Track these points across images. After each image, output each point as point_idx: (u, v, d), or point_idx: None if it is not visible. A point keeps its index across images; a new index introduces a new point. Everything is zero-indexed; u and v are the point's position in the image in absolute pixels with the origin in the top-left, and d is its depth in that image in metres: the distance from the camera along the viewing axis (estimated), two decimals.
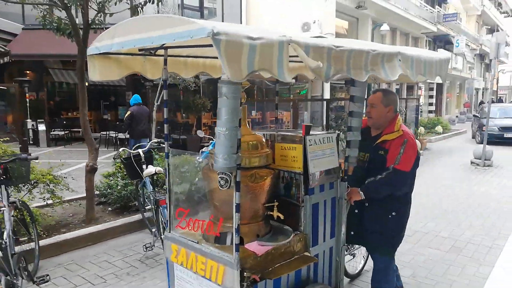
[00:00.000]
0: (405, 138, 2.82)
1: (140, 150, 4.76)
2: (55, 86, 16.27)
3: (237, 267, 2.14)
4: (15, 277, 3.12)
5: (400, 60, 2.51)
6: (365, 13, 17.03)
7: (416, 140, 3.24)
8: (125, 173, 5.44)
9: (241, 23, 16.39)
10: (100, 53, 2.42)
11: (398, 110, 3.02)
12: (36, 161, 3.99)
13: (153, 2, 5.47)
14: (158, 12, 6.47)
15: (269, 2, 15.44)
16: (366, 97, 3.02)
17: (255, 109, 15.79)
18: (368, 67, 2.31)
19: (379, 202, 2.91)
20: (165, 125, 2.58)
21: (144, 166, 4.72)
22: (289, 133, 2.72)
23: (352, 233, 3.07)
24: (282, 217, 2.50)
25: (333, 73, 2.08)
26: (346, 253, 3.54)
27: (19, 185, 4.53)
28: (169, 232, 2.64)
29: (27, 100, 12.96)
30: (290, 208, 2.65)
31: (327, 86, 15.40)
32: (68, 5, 4.84)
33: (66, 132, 14.42)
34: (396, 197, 2.90)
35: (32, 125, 13.11)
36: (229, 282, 2.18)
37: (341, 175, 2.86)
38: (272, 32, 1.79)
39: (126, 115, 9.00)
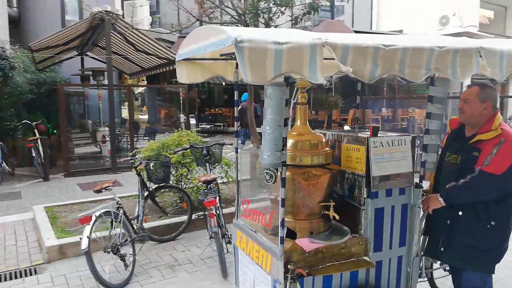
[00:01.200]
0: (503, 138, 2.43)
1: None
2: (198, 86, 18.37)
3: (281, 258, 2.26)
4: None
5: (481, 56, 2.23)
6: None
7: None
8: None
9: (371, 23, 15.95)
10: (186, 59, 2.81)
11: (497, 107, 2.61)
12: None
13: (310, 13, 6.19)
14: (314, 21, 6.98)
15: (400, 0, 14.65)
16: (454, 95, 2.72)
17: (385, 106, 15.10)
18: (431, 66, 2.14)
19: (475, 211, 2.54)
20: (235, 123, 2.84)
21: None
22: (355, 134, 2.67)
23: (442, 249, 2.68)
24: (337, 217, 2.50)
25: (380, 73, 2.02)
26: (437, 266, 3.27)
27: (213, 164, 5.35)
28: (236, 219, 2.90)
29: (180, 98, 14.93)
30: (352, 210, 2.62)
31: (467, 83, 13.75)
32: (248, 22, 5.81)
33: (211, 125, 16.23)
34: (497, 203, 2.50)
35: (184, 119, 15.03)
36: (274, 272, 2.32)
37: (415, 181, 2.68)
38: (305, 36, 1.86)
39: (238, 109, 10.03)
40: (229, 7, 6.17)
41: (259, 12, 5.93)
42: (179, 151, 5.11)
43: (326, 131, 2.90)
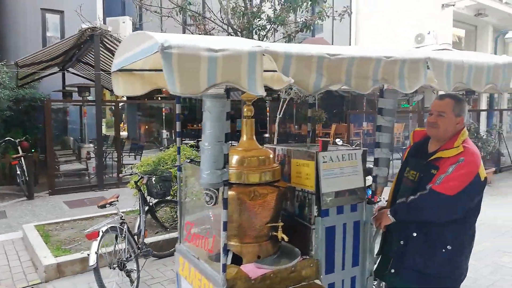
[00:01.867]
0: (462, 157, 2.26)
1: None
2: (181, 102, 17.76)
3: (223, 287, 2.04)
4: None
5: (428, 67, 2.16)
6: (485, 20, 15.54)
7: None
8: None
9: (349, 40, 16.49)
10: (123, 70, 2.55)
11: (465, 122, 2.48)
12: None
13: (303, 31, 6.59)
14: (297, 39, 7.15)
15: (378, 18, 15.26)
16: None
17: (365, 120, 15.53)
18: (378, 76, 2.03)
19: (429, 233, 2.35)
20: (178, 139, 2.61)
21: None
22: (305, 149, 2.53)
23: (393, 271, 2.51)
24: (286, 239, 2.33)
25: (325, 84, 1.88)
26: None
27: None
28: (179, 244, 2.65)
29: (163, 113, 14.41)
30: (302, 230, 2.46)
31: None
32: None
33: (194, 141, 15.81)
34: (451, 226, 2.32)
35: (167, 135, 14.49)
36: None
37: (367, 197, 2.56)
38: (243, 43, 1.69)
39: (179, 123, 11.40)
40: (225, 24, 6.35)
41: (254, 29, 6.18)
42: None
43: (276, 145, 2.74)
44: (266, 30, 6.31)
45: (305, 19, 6.47)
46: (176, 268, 2.63)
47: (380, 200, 2.78)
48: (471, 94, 8.12)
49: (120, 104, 13.14)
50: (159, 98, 14.24)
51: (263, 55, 1.69)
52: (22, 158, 8.49)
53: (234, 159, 2.32)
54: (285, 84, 1.71)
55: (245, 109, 2.39)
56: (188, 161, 2.74)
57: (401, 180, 2.62)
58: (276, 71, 1.81)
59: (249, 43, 1.69)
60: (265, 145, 2.82)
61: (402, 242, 2.47)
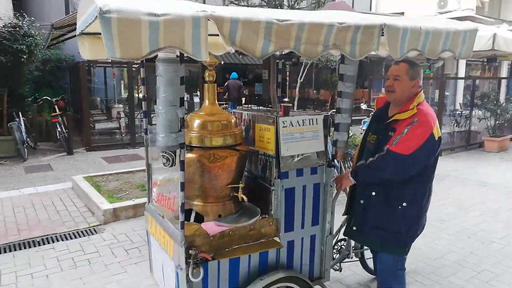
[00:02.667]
0: (417, 118, 2.39)
1: None
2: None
3: (181, 243, 2.18)
4: None
5: (383, 34, 2.20)
6: None
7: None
8: None
9: (370, 5, 16.16)
10: (87, 33, 2.58)
11: (421, 85, 2.58)
12: None
13: None
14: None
15: None
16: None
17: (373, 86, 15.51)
18: (329, 42, 2.07)
19: (386, 191, 2.54)
20: (143, 102, 2.68)
21: None
22: (267, 114, 2.60)
23: (354, 228, 2.71)
24: (245, 199, 2.45)
25: (273, 49, 1.92)
26: (355, 249, 3.32)
27: None
28: (148, 204, 2.78)
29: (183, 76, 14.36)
30: (264, 191, 2.57)
31: (462, 64, 14.38)
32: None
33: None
34: (409, 185, 2.48)
35: (187, 97, 14.34)
36: (176, 258, 2.24)
37: (328, 160, 2.66)
38: (188, 7, 1.72)
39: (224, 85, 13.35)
40: None
41: None
42: None
43: (243, 110, 2.81)
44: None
45: None
46: (146, 226, 2.77)
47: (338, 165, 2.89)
48: (492, 61, 7.97)
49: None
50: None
51: (208, 20, 1.73)
52: (61, 116, 9.18)
53: (195, 123, 2.40)
54: (225, 50, 1.75)
55: (207, 74, 2.44)
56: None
57: (364, 145, 2.74)
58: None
59: (194, 7, 1.73)
60: (233, 110, 2.89)
61: (362, 201, 2.64)
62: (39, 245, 4.27)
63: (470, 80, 13.61)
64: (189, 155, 2.32)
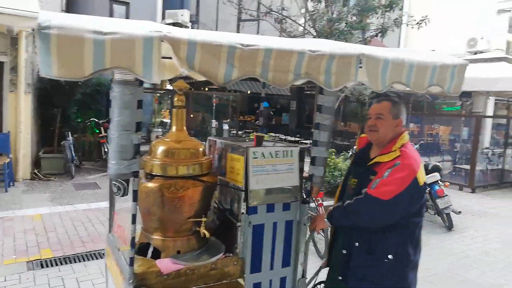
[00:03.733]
0: (398, 161, 2.16)
1: None
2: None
3: (128, 282, 1.97)
4: None
5: (361, 66, 2.05)
6: None
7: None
8: None
9: (398, 43, 16.43)
10: None
11: (405, 124, 2.37)
12: None
13: (377, 36, 7.37)
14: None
15: (433, 19, 15.45)
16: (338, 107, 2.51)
17: (413, 121, 15.50)
18: (301, 71, 1.92)
19: (370, 242, 2.25)
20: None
21: None
22: (239, 143, 2.44)
23: (340, 278, 2.40)
24: (207, 235, 2.25)
25: (237, 75, 1.77)
26: None
27: None
28: (109, 233, 2.59)
29: (213, 104, 14.66)
30: (232, 226, 2.38)
31: (491, 103, 14.41)
32: None
33: (242, 132, 15.90)
34: (391, 235, 2.22)
35: (216, 124, 14.53)
36: None
37: (303, 197, 2.47)
38: (140, 27, 1.59)
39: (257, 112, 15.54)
40: (310, 26, 7.19)
41: (335, 34, 6.79)
42: None
43: (217, 138, 2.65)
44: (344, 35, 6.85)
45: (382, 25, 7.07)
46: (105, 259, 2.57)
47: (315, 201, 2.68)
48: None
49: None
50: (206, 89, 15.15)
51: (162, 41, 1.60)
52: (106, 137, 9.45)
53: (159, 150, 2.24)
54: (177, 73, 1.61)
55: (176, 99, 2.30)
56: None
57: (344, 189, 2.52)
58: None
59: (147, 27, 1.60)
60: (209, 137, 2.74)
61: (344, 252, 2.36)
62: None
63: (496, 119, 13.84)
64: (149, 185, 2.15)
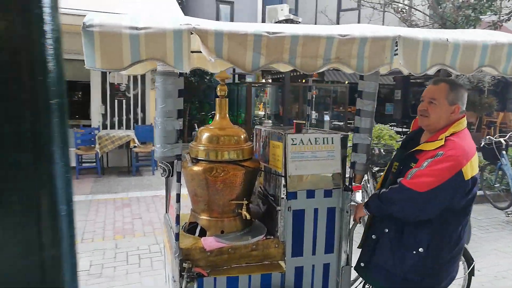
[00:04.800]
0: (442, 150, 2.01)
1: (501, 139, 6.30)
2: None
3: (175, 255, 2.18)
4: None
5: (397, 47, 2.00)
6: None
7: None
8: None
9: None
10: None
11: (464, 110, 2.22)
12: None
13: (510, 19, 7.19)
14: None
15: None
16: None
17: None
18: (331, 56, 1.94)
19: (401, 230, 2.16)
20: None
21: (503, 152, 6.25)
22: (280, 131, 2.51)
23: (362, 264, 2.40)
24: (248, 217, 2.37)
25: (264, 63, 1.86)
26: None
27: None
28: (165, 214, 2.85)
29: (313, 96, 15.01)
30: (272, 210, 2.47)
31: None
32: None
33: (343, 123, 15.82)
34: (426, 228, 2.09)
35: (316, 115, 15.00)
36: (171, 269, 2.24)
37: (345, 183, 2.46)
38: (171, 21, 1.76)
39: None
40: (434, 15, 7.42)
41: (461, 20, 6.86)
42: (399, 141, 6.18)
43: (261, 127, 2.76)
44: (472, 21, 6.86)
45: None
46: (163, 237, 2.84)
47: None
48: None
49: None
50: (303, 81, 15.34)
51: (191, 33, 1.75)
52: None
53: (203, 136, 2.42)
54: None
55: (218, 89, 2.45)
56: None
57: (388, 174, 2.46)
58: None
59: (177, 21, 1.77)
60: (256, 126, 2.86)
61: (374, 237, 2.33)
62: None
63: None
64: (194, 168, 2.34)
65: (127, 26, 1.68)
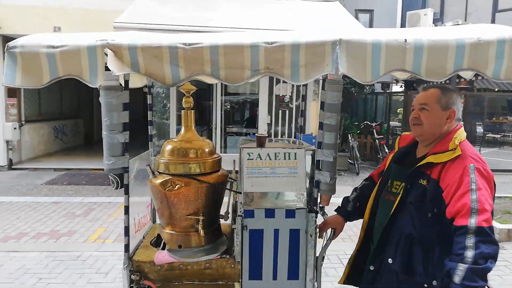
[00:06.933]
0: (471, 163, 1.75)
1: None
2: None
3: (124, 266, 2.21)
4: None
5: (338, 52, 1.74)
6: None
7: None
8: None
9: None
10: None
11: (460, 117, 1.96)
12: None
13: None
14: None
15: None
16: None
17: None
18: (259, 66, 1.77)
19: (410, 258, 1.86)
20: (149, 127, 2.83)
21: None
22: (245, 145, 2.37)
23: None
24: (201, 233, 2.28)
25: (185, 76, 1.78)
26: None
27: None
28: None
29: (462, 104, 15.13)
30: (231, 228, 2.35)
31: None
32: None
33: (499, 135, 15.16)
34: (444, 250, 1.76)
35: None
36: (123, 281, 2.27)
37: (311, 205, 2.22)
38: (88, 38, 1.79)
39: None
40: None
41: None
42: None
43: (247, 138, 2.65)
44: None
45: None
46: None
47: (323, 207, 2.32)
48: None
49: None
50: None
51: (105, 48, 1.76)
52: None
53: (166, 149, 2.40)
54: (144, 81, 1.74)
55: (184, 101, 2.42)
56: None
57: (379, 196, 2.14)
58: None
59: (94, 37, 1.79)
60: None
61: (372, 268, 2.05)
62: None
63: None
64: (152, 181, 2.34)
65: (44, 45, 1.76)
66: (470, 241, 1.62)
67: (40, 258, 4.52)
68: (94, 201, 6.87)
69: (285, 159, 2.21)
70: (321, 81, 2.14)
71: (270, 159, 2.21)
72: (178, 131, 10.28)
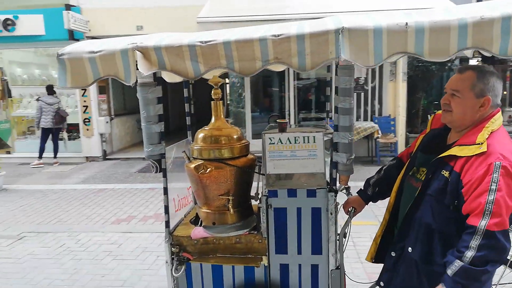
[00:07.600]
0: (497, 160, 1.65)
1: None
2: None
3: (165, 239, 2.52)
4: None
5: (342, 38, 1.85)
6: None
7: None
8: None
9: None
10: None
11: (499, 103, 1.85)
12: None
13: None
14: None
15: None
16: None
17: None
18: (269, 57, 1.94)
19: (429, 249, 1.88)
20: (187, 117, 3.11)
21: None
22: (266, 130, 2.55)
23: (382, 284, 2.18)
24: (232, 211, 2.52)
25: (204, 69, 2.01)
26: None
27: None
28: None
29: None
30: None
31: None
32: None
33: None
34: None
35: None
36: (165, 253, 2.58)
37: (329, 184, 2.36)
38: (121, 42, 2.07)
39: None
40: None
41: None
42: None
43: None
44: None
45: None
46: None
47: (348, 188, 2.42)
48: None
49: None
50: None
51: (135, 50, 2.03)
52: None
53: (199, 136, 2.65)
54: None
55: (213, 92, 2.65)
56: None
57: (404, 179, 2.18)
58: None
59: (125, 42, 2.07)
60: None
61: (393, 254, 2.11)
62: None
63: None
64: (188, 165, 2.61)
65: (86, 51, 2.08)
66: (474, 242, 1.63)
67: (152, 238, 5.03)
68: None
69: (304, 142, 2.36)
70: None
71: (290, 142, 2.37)
72: (253, 118, 10.36)
